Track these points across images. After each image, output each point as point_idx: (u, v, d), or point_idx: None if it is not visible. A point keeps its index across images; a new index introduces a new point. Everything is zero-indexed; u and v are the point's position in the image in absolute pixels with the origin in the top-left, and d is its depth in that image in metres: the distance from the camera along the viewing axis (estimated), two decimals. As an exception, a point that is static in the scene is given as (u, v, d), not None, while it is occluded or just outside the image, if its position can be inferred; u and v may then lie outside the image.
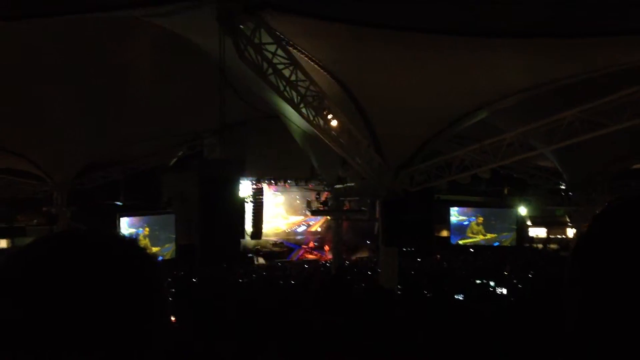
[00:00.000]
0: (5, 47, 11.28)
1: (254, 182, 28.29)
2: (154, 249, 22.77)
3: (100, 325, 0.82)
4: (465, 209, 27.07)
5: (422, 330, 5.22)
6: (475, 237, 26.43)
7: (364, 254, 29.22)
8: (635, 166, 21.87)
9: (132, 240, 0.96)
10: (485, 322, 5.10)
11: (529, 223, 30.77)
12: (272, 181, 29.46)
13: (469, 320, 5.49)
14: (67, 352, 0.79)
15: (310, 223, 32.24)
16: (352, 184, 17.33)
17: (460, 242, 26.50)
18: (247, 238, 28.89)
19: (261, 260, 28.57)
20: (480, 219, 26.54)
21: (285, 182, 29.97)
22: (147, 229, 22.70)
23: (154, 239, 22.88)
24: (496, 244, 26.31)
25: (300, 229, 32.32)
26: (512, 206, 27.56)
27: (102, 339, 0.81)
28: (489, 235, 26.50)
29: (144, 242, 22.31)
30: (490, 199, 29.45)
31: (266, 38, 9.63)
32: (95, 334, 0.81)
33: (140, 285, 0.89)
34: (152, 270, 0.93)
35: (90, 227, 0.97)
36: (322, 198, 25.05)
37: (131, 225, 22.34)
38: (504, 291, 12.54)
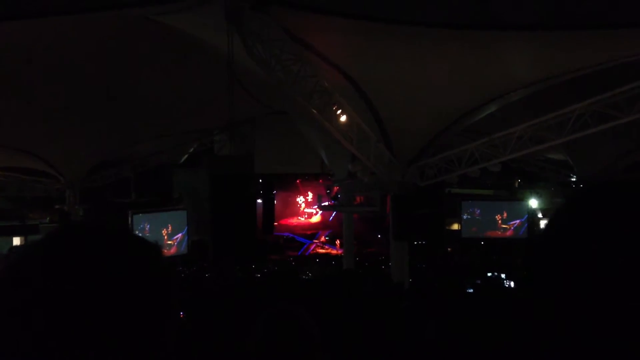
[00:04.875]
0: (16, 45, 11.34)
1: (264, 178, 28.38)
2: (168, 244, 22.94)
3: (118, 323, 0.82)
4: (476, 202, 26.99)
5: (430, 322, 5.25)
6: (485, 230, 26.34)
7: (375, 248, 29.23)
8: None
9: (141, 237, 0.98)
10: (493, 315, 5.12)
11: (540, 215, 30.67)
12: (283, 177, 29.57)
13: (478, 312, 5.51)
14: (82, 350, 0.80)
15: (320, 218, 32.33)
16: (363, 179, 17.32)
17: (471, 235, 26.42)
18: (259, 233, 29.00)
19: (273, 256, 28.65)
20: (497, 215, 26.42)
21: (295, 177, 30.07)
22: (159, 225, 22.80)
23: (165, 235, 23.00)
24: (507, 236, 26.22)
25: (311, 223, 32.44)
26: (522, 199, 27.44)
27: (119, 338, 0.82)
28: (500, 228, 26.40)
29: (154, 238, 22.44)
30: (501, 192, 29.36)
31: (274, 34, 9.66)
32: (114, 333, 0.82)
33: (159, 283, 0.91)
34: (167, 267, 0.95)
35: (100, 222, 0.97)
36: (333, 193, 25.05)
37: (142, 222, 22.44)
38: (512, 284, 12.57)
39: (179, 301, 0.95)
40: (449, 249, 25.54)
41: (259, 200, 29.24)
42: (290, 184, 31.73)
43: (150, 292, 0.88)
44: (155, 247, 0.96)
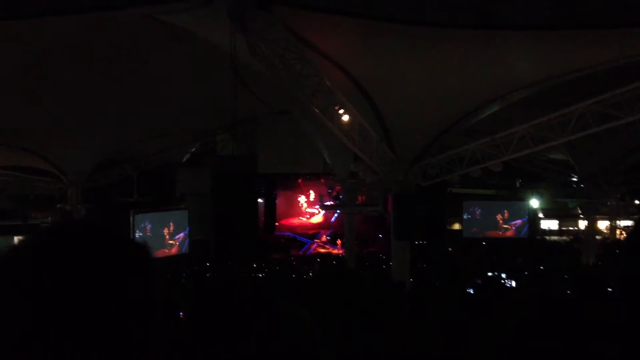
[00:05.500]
0: (19, 45, 11.37)
1: (266, 177, 28.38)
2: (169, 244, 22.96)
3: (106, 321, 0.83)
4: (477, 202, 27.00)
5: (432, 322, 5.27)
6: (486, 230, 26.35)
7: (376, 248, 29.21)
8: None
9: (128, 236, 0.97)
10: (494, 314, 5.15)
11: (541, 215, 30.69)
12: (285, 177, 29.57)
13: (479, 312, 5.53)
14: (70, 348, 0.80)
15: (322, 217, 32.34)
16: (365, 178, 17.38)
17: (472, 235, 26.42)
18: (260, 233, 29.03)
19: (274, 255, 28.65)
20: (498, 215, 26.43)
21: (297, 177, 30.07)
22: (160, 225, 22.81)
23: (167, 234, 23.01)
24: (508, 237, 26.23)
25: (312, 223, 32.45)
26: (524, 199, 27.47)
27: (107, 336, 0.83)
28: (501, 228, 26.40)
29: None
30: (503, 192, 29.38)
31: (277, 33, 9.69)
32: (101, 331, 0.82)
33: (143, 281, 0.90)
34: (155, 267, 0.95)
35: (90, 220, 0.98)
36: (334, 192, 25.07)
37: (144, 222, 22.44)
38: (513, 283, 12.60)
39: (169, 302, 0.94)
40: (449, 249, 25.56)
41: (261, 200, 29.36)
42: (292, 183, 31.74)
43: (132, 292, 0.88)
44: (141, 247, 0.96)
